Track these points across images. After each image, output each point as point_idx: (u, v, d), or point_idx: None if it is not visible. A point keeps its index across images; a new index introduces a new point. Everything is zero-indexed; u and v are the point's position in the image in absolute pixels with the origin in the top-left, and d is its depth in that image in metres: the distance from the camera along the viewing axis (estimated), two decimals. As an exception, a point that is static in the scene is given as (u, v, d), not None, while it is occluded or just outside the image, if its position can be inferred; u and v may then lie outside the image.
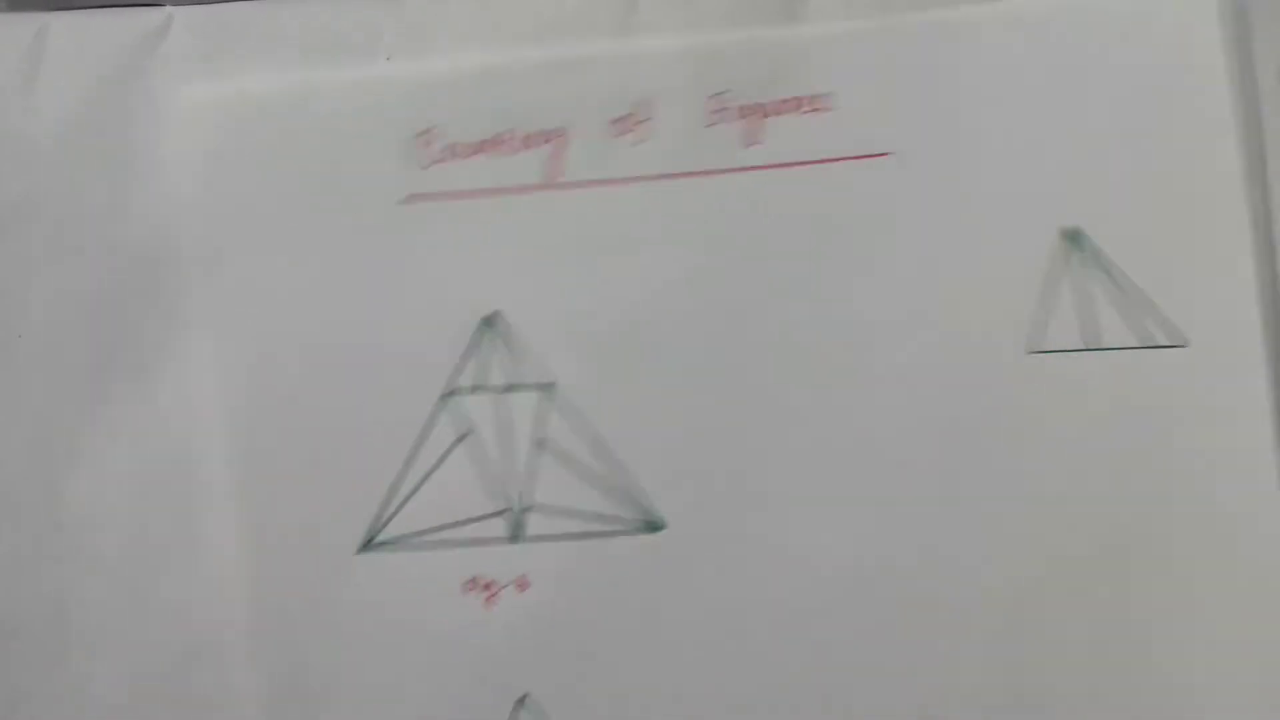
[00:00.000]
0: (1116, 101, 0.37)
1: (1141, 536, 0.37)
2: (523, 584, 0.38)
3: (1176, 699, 0.37)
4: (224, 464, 0.38)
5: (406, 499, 0.38)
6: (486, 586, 0.38)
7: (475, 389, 0.38)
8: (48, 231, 0.39)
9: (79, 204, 0.39)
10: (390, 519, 0.38)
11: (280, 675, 0.38)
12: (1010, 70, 0.37)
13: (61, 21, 0.38)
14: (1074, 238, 0.37)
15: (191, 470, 0.38)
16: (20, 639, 0.39)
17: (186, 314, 0.39)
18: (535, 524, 0.38)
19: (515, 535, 0.38)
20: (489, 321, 0.38)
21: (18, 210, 0.39)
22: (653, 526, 0.38)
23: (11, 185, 0.39)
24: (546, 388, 0.38)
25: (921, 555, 0.37)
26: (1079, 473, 0.37)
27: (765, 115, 0.37)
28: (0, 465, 0.39)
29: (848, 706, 0.37)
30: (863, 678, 0.37)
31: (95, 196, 0.39)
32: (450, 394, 0.38)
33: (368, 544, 0.38)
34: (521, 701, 0.38)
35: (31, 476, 0.39)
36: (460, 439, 0.38)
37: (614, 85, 0.37)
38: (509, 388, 0.38)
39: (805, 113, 0.37)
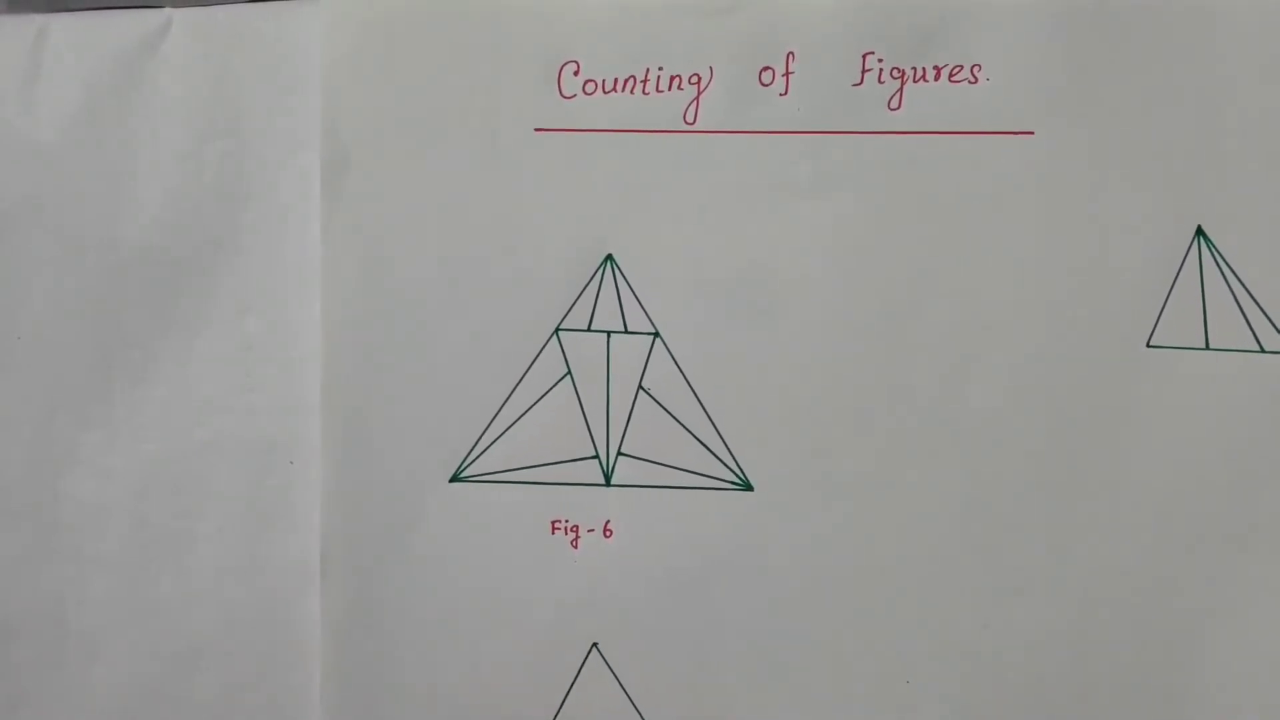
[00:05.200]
0: (1260, 104, 0.36)
1: (1247, 533, 0.37)
2: (609, 530, 0.38)
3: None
4: (322, 380, 0.38)
5: (503, 433, 0.38)
6: (574, 528, 0.38)
7: (584, 329, 0.38)
8: (48, 231, 0.39)
9: (79, 204, 0.39)
10: (485, 451, 0.38)
11: (354, 596, 0.38)
12: (1160, 62, 0.37)
13: (61, 23, 0.38)
14: (1207, 237, 0.37)
15: (288, 384, 0.39)
16: (20, 639, 0.39)
17: (188, 312, 0.39)
18: (626, 471, 0.38)
19: (606, 480, 0.38)
20: (606, 262, 0.38)
21: (18, 210, 0.39)
22: (740, 487, 0.37)
23: (12, 185, 0.39)
24: (653, 336, 0.37)
25: (1018, 542, 0.37)
26: (1187, 467, 0.37)
27: (913, 79, 0.37)
28: (0, 465, 0.39)
29: (927, 690, 0.37)
30: (949, 660, 0.37)
31: (95, 196, 0.39)
32: (559, 331, 0.38)
33: (460, 474, 0.38)
34: (591, 651, 0.38)
35: (31, 476, 0.39)
36: (562, 378, 0.38)
37: (764, 33, 0.37)
38: (617, 331, 0.38)
39: (953, 81, 0.37)
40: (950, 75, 0.37)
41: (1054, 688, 0.37)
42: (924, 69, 0.37)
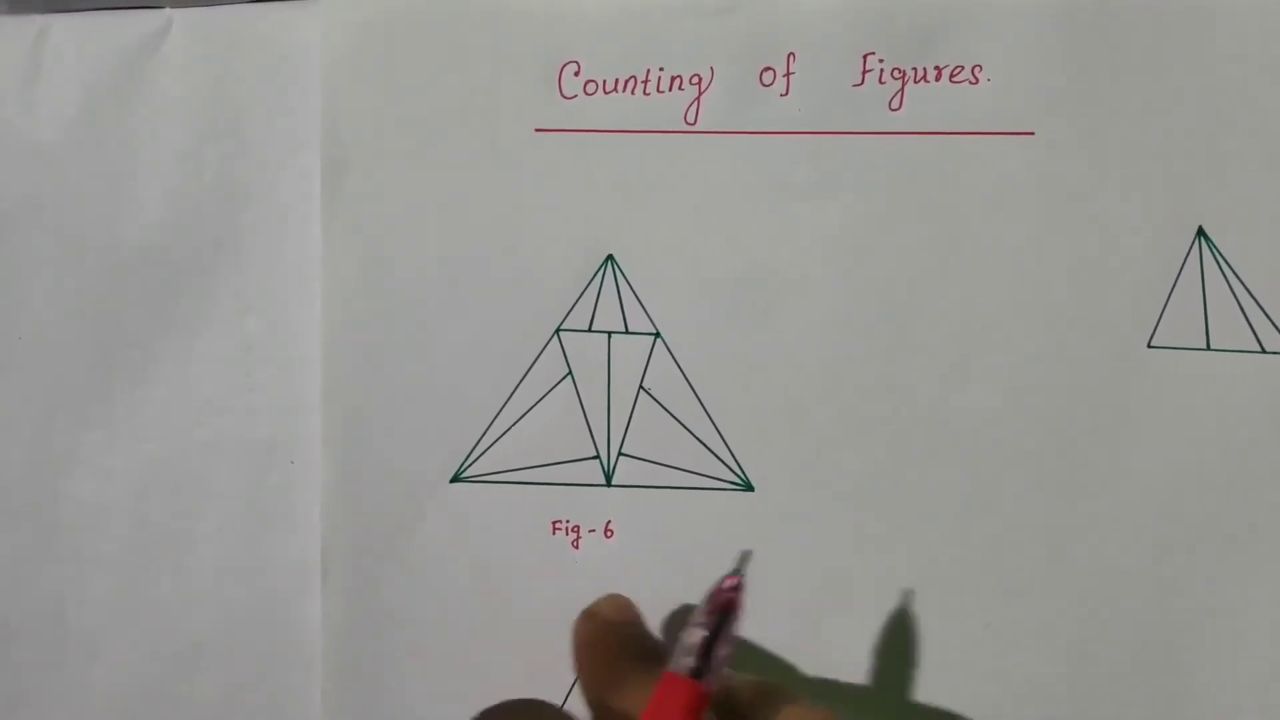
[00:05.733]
0: (1260, 104, 0.36)
1: (1247, 533, 0.37)
2: (610, 530, 0.38)
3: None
4: (323, 380, 0.38)
5: (504, 433, 0.38)
6: (575, 529, 0.38)
7: (584, 329, 0.38)
8: (48, 231, 0.39)
9: (79, 204, 0.39)
10: (486, 451, 0.38)
11: (355, 597, 0.38)
12: (1160, 62, 0.37)
13: (62, 23, 0.38)
14: (1208, 237, 0.37)
15: (288, 384, 0.38)
16: (20, 639, 0.39)
17: (188, 312, 0.39)
18: (627, 472, 0.38)
19: (607, 480, 0.38)
20: (607, 262, 0.38)
21: (18, 210, 0.39)
22: (741, 487, 0.38)
23: (12, 185, 0.39)
24: (654, 336, 0.38)
25: (1018, 542, 0.37)
26: (1187, 467, 0.37)
27: (914, 80, 0.37)
28: (0, 465, 0.39)
29: (927, 689, 0.37)
30: (949, 660, 0.37)
31: (95, 196, 0.39)
32: (560, 332, 0.38)
33: (460, 474, 0.38)
34: None
35: (31, 476, 0.39)
36: (563, 378, 0.38)
37: (764, 33, 0.37)
38: (618, 332, 0.38)
39: (954, 82, 0.37)
40: (951, 76, 0.37)
41: (1054, 688, 0.37)
42: (925, 69, 0.37)
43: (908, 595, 0.37)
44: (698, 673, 0.28)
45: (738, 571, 0.30)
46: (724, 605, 0.29)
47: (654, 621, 0.37)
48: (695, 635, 0.29)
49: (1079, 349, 0.37)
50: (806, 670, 0.38)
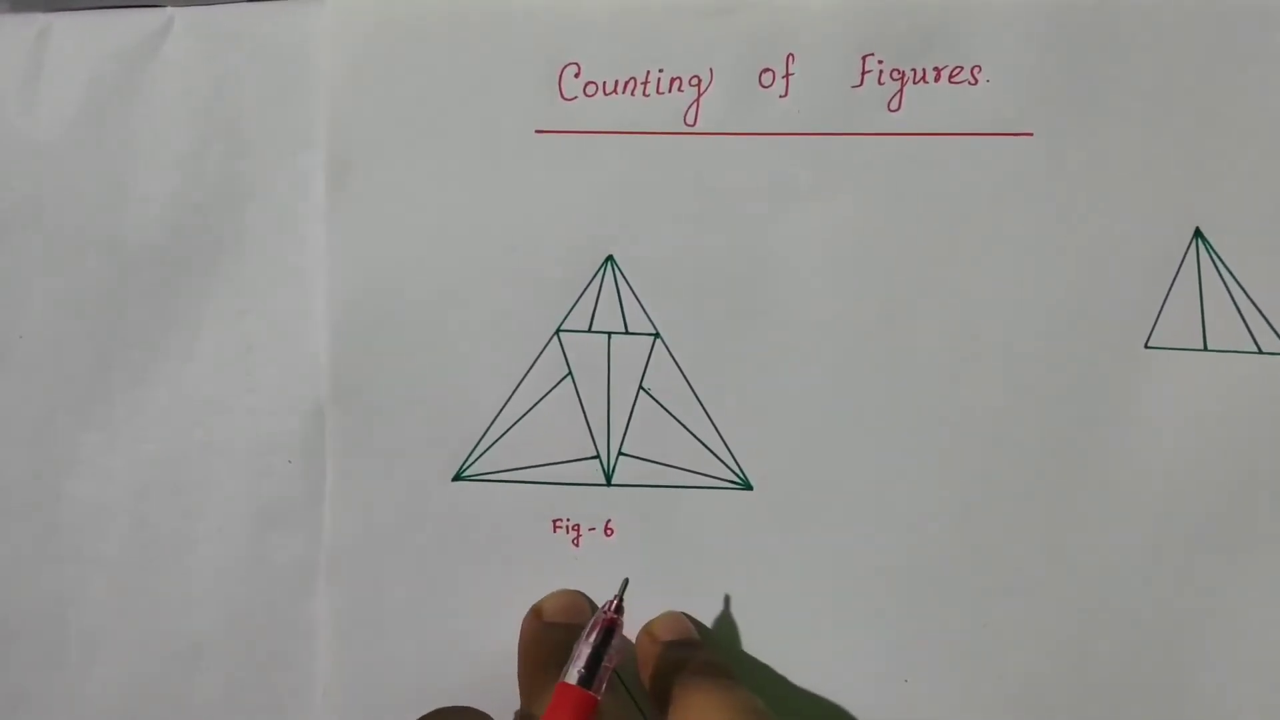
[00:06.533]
0: (1260, 105, 0.37)
1: (1247, 533, 0.37)
2: (609, 529, 0.38)
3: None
4: (327, 380, 0.38)
5: (505, 432, 0.38)
6: (575, 527, 0.38)
7: (584, 330, 0.38)
8: (48, 231, 0.39)
9: (79, 204, 0.39)
10: (487, 451, 0.38)
11: (356, 596, 0.38)
12: (1160, 62, 0.37)
13: (63, 22, 0.38)
14: (1205, 238, 0.37)
15: (288, 384, 0.39)
16: (20, 639, 0.39)
17: (188, 312, 0.39)
18: (627, 471, 0.38)
19: (607, 480, 0.38)
20: (606, 263, 0.38)
21: (18, 211, 0.39)
22: (740, 486, 0.38)
23: (12, 185, 0.39)
24: (654, 337, 0.38)
25: (1017, 542, 0.37)
26: (1185, 468, 0.37)
27: (913, 81, 0.37)
28: (0, 465, 0.39)
29: (924, 684, 0.37)
30: (948, 659, 0.37)
31: (95, 196, 0.39)
32: (560, 332, 0.38)
33: (461, 474, 0.38)
34: None
35: (31, 476, 0.39)
36: (563, 378, 0.38)
37: (763, 34, 0.37)
38: (617, 332, 0.38)
39: (953, 83, 0.37)
40: (950, 76, 0.37)
41: (1053, 687, 0.37)
42: (924, 70, 0.37)
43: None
44: (586, 681, 0.31)
45: (618, 597, 0.34)
46: (606, 625, 0.33)
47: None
48: (583, 650, 0.32)
49: (1077, 349, 0.37)
50: (805, 670, 0.38)
